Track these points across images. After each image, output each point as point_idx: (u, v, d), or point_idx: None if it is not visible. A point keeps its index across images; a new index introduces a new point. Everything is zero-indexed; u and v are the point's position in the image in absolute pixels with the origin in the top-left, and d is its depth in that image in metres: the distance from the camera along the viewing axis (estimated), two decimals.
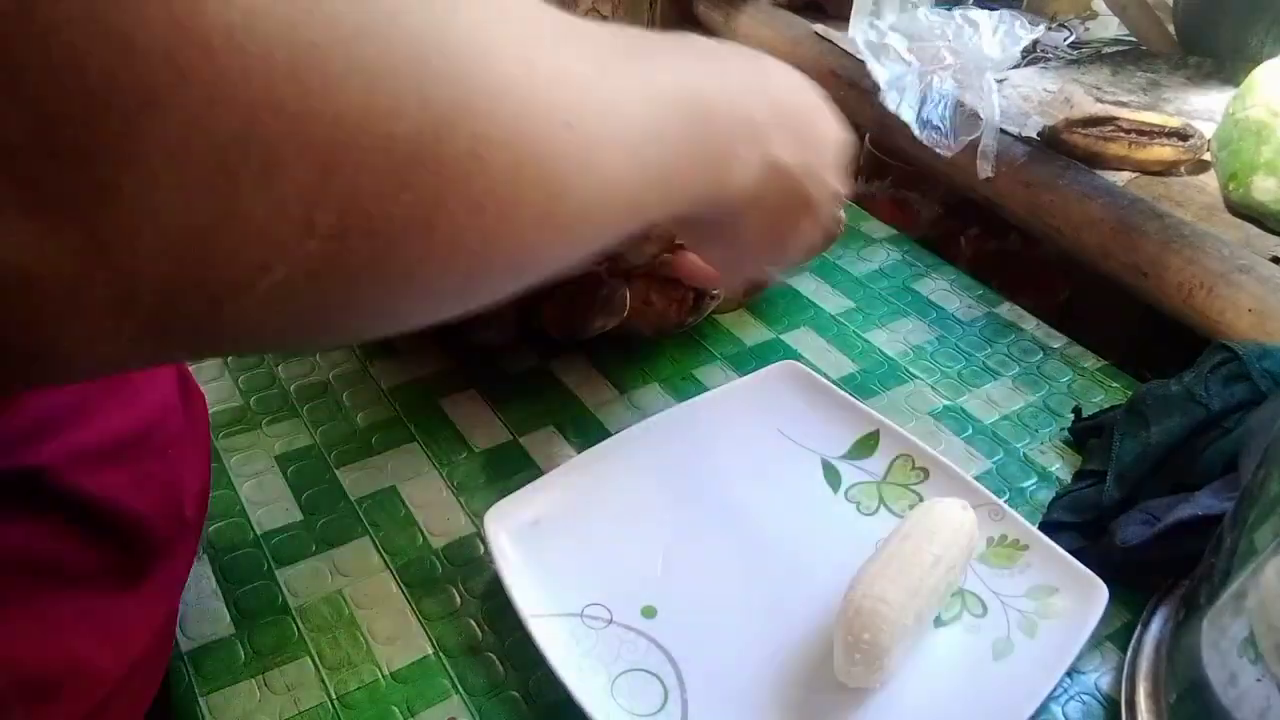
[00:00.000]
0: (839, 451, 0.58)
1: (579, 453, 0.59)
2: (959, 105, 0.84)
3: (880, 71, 0.89)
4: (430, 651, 0.48)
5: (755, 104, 0.36)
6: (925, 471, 0.56)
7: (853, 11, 1.02)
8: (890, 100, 0.87)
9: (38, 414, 0.35)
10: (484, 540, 0.49)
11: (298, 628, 0.49)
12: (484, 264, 0.24)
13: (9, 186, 0.17)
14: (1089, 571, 0.49)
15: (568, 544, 0.51)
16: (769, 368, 0.62)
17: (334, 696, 0.46)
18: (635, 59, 0.30)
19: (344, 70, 0.19)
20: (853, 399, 0.60)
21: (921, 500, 0.54)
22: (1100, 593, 0.48)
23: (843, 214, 0.65)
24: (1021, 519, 0.52)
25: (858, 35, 0.95)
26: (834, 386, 0.61)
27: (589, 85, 0.26)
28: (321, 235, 0.20)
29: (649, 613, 0.49)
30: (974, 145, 0.83)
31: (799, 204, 0.41)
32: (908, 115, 0.85)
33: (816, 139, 0.41)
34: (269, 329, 0.23)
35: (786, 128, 0.38)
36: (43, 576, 0.35)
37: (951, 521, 0.48)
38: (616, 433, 0.58)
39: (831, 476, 0.57)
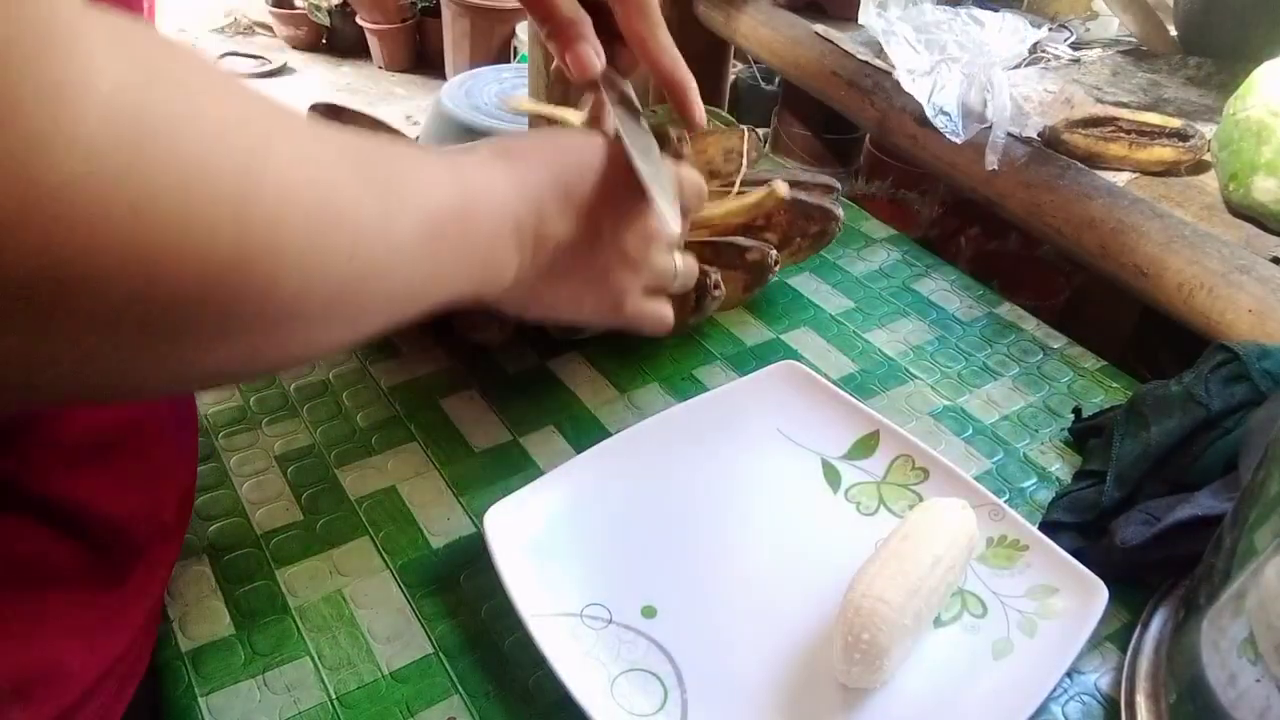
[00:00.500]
0: (839, 451, 0.58)
1: (579, 452, 0.59)
2: (966, 101, 0.84)
3: (897, 53, 0.89)
4: (430, 651, 0.48)
5: (518, 201, 0.39)
6: (925, 472, 0.56)
7: (862, 1, 1.02)
8: (905, 82, 0.87)
9: (11, 414, 0.35)
10: (483, 539, 0.49)
11: (298, 627, 0.49)
12: (268, 350, 0.29)
13: None
14: (1089, 572, 0.49)
15: (567, 543, 0.51)
16: (769, 367, 0.62)
17: (334, 696, 0.46)
18: (404, 178, 0.33)
19: (161, 218, 0.23)
20: (853, 399, 0.60)
21: (921, 500, 0.55)
22: (1100, 593, 0.48)
23: (780, 188, 0.64)
24: (1021, 519, 0.52)
25: (867, 21, 0.96)
26: (834, 386, 0.61)
27: (370, 216, 0.30)
28: (124, 329, 0.24)
29: (649, 612, 0.49)
30: (980, 139, 0.83)
31: (598, 268, 0.44)
32: (921, 97, 0.85)
33: (595, 209, 0.42)
34: (68, 389, 0.26)
35: (555, 204, 0.41)
36: (17, 577, 0.35)
37: (951, 521, 0.48)
38: (616, 432, 0.58)
39: (831, 476, 0.57)
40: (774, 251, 0.65)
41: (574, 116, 0.60)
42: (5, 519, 0.35)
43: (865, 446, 0.58)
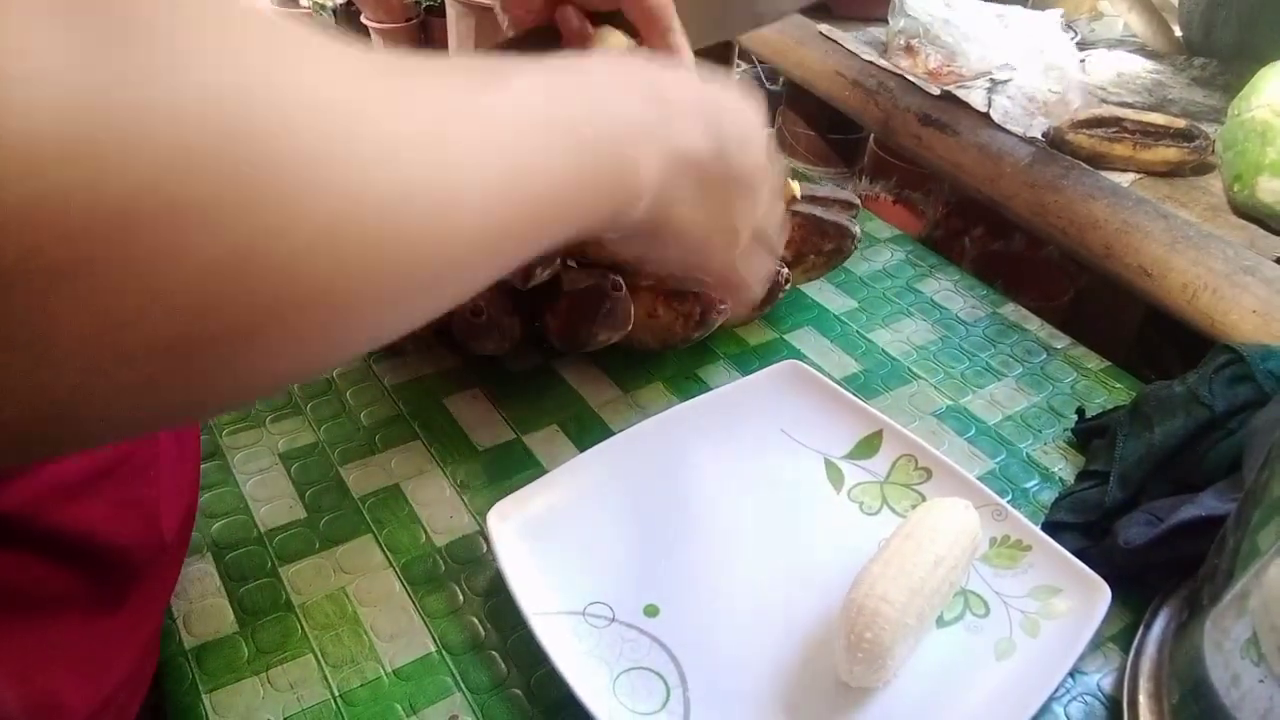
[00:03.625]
0: (842, 451, 0.58)
1: (582, 451, 0.59)
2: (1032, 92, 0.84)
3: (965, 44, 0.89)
4: (433, 649, 0.48)
5: (637, 105, 0.34)
6: (928, 472, 0.56)
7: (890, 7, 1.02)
8: (972, 97, 0.87)
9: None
10: (486, 538, 0.49)
11: (301, 625, 0.49)
12: (333, 338, 0.23)
13: None
14: (1092, 572, 0.49)
15: (570, 542, 0.51)
16: (772, 367, 0.62)
17: (337, 694, 0.46)
18: (489, 90, 0.28)
19: (152, 206, 0.17)
20: (856, 399, 0.60)
21: (924, 500, 0.54)
22: (1103, 594, 0.48)
23: (793, 186, 0.64)
24: (1024, 519, 0.52)
25: (911, 9, 0.96)
26: (837, 386, 0.61)
27: (437, 139, 0.24)
28: (133, 361, 0.19)
29: (651, 611, 0.49)
30: (985, 139, 0.83)
31: (725, 186, 0.38)
32: (979, 100, 0.85)
33: (725, 120, 0.38)
34: (96, 435, 0.22)
35: (685, 116, 0.36)
36: (17, 610, 0.34)
37: (954, 521, 0.48)
38: (619, 431, 0.58)
39: (834, 476, 0.57)
40: (785, 270, 0.64)
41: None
42: (6, 553, 0.34)
43: (868, 446, 0.58)
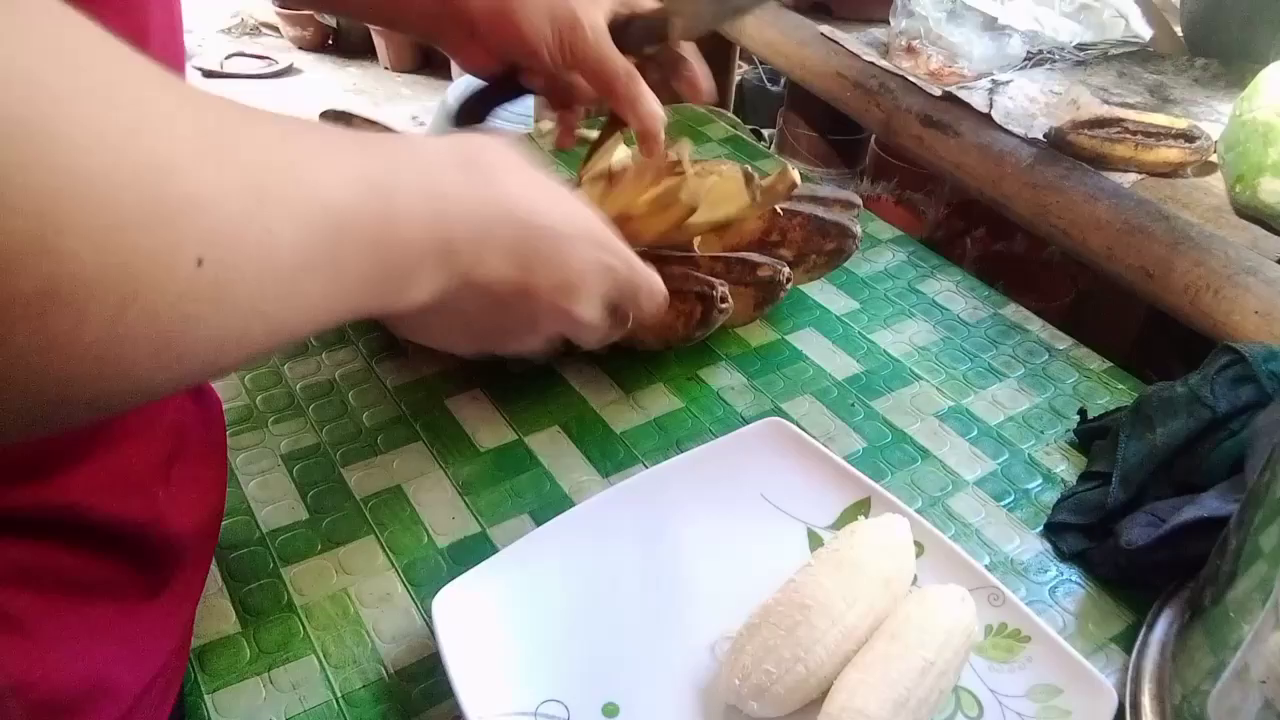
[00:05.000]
0: (827, 520, 0.52)
1: (583, 451, 0.59)
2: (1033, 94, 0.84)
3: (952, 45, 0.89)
4: (435, 651, 0.48)
5: (461, 225, 0.33)
6: (920, 546, 0.50)
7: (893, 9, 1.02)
8: (974, 98, 0.87)
9: (59, 443, 0.34)
10: (431, 629, 0.46)
11: (303, 625, 0.49)
12: (71, 395, 0.22)
13: None
14: (1096, 672, 0.44)
15: (523, 631, 0.46)
16: (753, 425, 0.57)
17: (339, 695, 0.46)
18: (319, 161, 0.27)
19: None
20: (842, 462, 0.54)
21: (915, 581, 0.49)
22: (1108, 699, 0.43)
23: (793, 173, 0.63)
24: (1023, 606, 0.47)
25: (918, 7, 0.96)
26: (822, 448, 0.56)
27: (234, 211, 0.23)
28: None
29: (611, 711, 0.44)
30: (986, 139, 0.83)
31: (507, 318, 0.38)
32: (982, 105, 0.85)
33: (542, 249, 0.37)
34: None
35: (503, 249, 0.35)
36: (67, 594, 0.35)
37: (947, 617, 0.43)
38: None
39: (818, 549, 0.50)
40: (786, 269, 0.64)
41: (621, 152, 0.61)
42: (61, 540, 0.35)
43: (855, 516, 0.52)
